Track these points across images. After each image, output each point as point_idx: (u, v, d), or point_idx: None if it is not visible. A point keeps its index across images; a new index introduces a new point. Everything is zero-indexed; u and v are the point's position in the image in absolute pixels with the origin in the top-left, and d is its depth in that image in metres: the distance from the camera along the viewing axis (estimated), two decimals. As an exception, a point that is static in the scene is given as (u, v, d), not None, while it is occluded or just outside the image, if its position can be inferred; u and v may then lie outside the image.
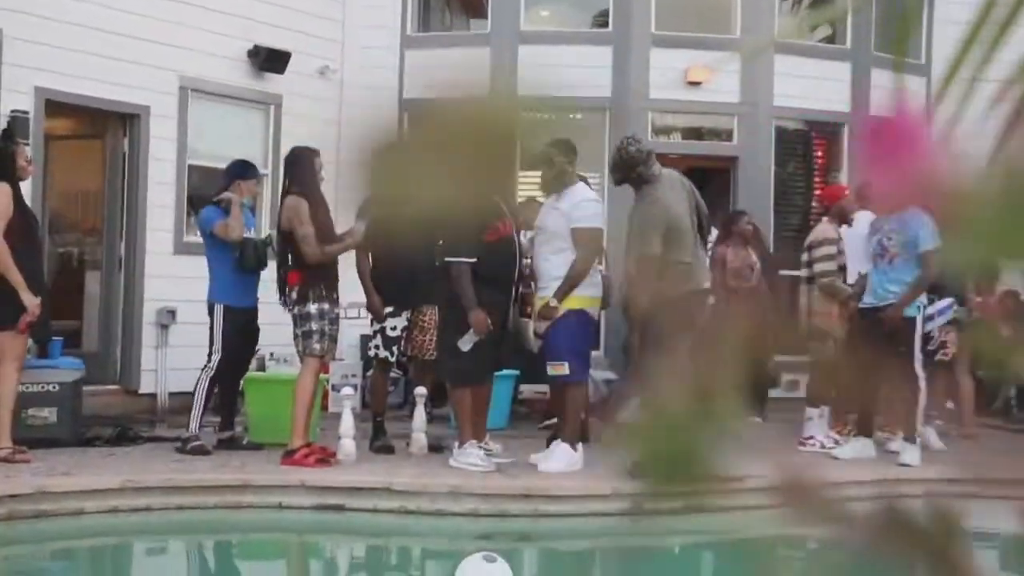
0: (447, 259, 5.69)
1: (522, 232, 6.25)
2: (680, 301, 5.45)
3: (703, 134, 9.59)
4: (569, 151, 5.86)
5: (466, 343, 5.61)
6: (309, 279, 5.71)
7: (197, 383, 6.07)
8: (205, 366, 6.07)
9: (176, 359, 7.96)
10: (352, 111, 9.33)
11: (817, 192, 9.54)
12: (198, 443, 5.97)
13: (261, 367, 7.52)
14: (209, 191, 8.31)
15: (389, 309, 6.21)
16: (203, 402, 6.03)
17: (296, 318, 5.75)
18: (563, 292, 5.63)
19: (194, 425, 6.03)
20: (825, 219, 7.14)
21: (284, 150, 8.50)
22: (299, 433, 5.68)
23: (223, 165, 7.96)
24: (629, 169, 5.60)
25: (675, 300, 5.45)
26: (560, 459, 5.68)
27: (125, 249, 8.00)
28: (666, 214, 5.50)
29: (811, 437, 6.77)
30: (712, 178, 9.14)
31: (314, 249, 5.68)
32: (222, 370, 6.05)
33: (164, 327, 8.00)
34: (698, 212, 5.69)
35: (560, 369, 5.66)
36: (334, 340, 5.88)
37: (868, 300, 6.41)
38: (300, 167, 5.84)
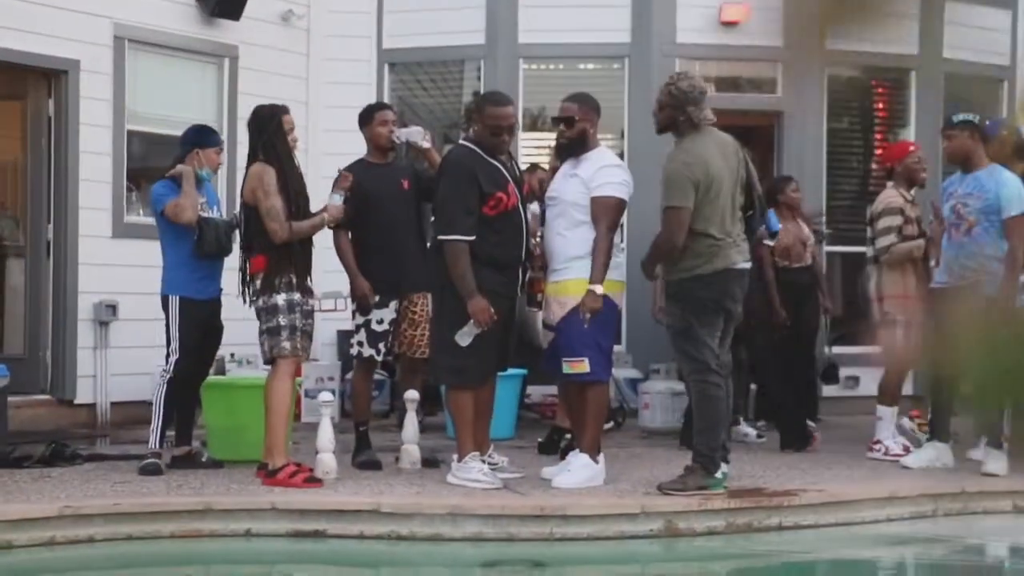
0: (440, 237, 5.70)
1: (528, 205, 6.25)
2: (706, 282, 5.50)
3: (741, 85, 9.58)
4: (591, 109, 5.89)
5: (464, 336, 5.62)
6: (276, 264, 5.73)
7: (156, 391, 6.11)
8: (163, 370, 6.12)
9: (118, 363, 7.99)
10: (322, 66, 9.34)
11: (878, 152, 9.57)
12: (150, 461, 6.02)
13: (220, 370, 7.56)
14: (152, 161, 8.41)
15: (374, 299, 6.23)
16: (163, 412, 6.06)
17: (261, 312, 5.76)
18: (600, 274, 5.63)
19: (154, 440, 6.07)
20: (889, 184, 7.14)
21: (242, 112, 8.57)
22: (280, 449, 5.72)
23: (168, 131, 8.05)
24: (678, 109, 5.58)
25: (699, 281, 5.50)
26: (578, 473, 5.71)
27: (53, 232, 8.03)
28: (701, 168, 5.51)
29: (877, 441, 6.83)
30: (752, 137, 9.15)
31: (281, 225, 5.69)
32: (181, 374, 6.10)
33: (103, 324, 8.03)
34: (748, 188, 5.70)
35: (579, 366, 5.69)
36: (309, 337, 5.89)
37: (942, 279, 6.45)
38: (266, 128, 5.84)
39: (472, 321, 5.59)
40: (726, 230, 5.52)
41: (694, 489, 5.45)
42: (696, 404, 5.60)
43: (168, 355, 6.09)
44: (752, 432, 7.53)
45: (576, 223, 5.73)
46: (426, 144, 6.32)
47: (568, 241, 5.74)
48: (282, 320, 5.70)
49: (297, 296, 5.75)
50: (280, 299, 5.71)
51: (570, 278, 5.72)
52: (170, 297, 6.09)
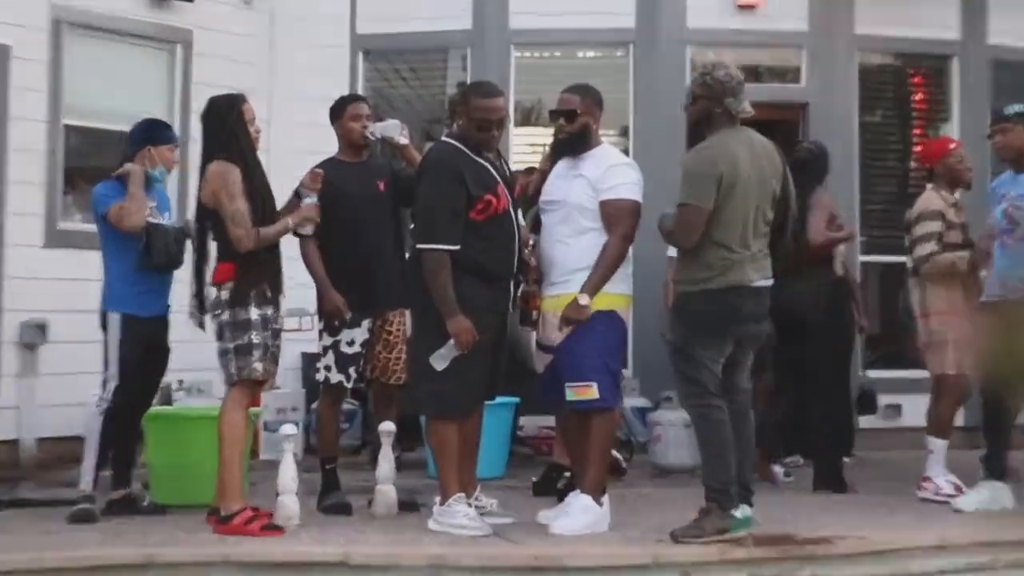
0: (420, 246, 5.61)
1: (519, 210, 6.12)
2: (713, 298, 5.40)
3: (761, 74, 9.55)
4: (594, 102, 5.85)
5: (440, 359, 5.54)
6: (247, 273, 5.63)
7: (90, 423, 5.98)
8: (99, 398, 6.00)
9: (47, 392, 7.89)
10: (288, 53, 9.26)
11: (917, 148, 9.51)
12: (82, 507, 5.90)
13: (166, 399, 7.50)
14: (93, 160, 8.22)
15: (348, 315, 6.12)
16: (99, 449, 5.96)
17: (227, 327, 5.63)
18: (596, 284, 5.60)
19: (87, 480, 5.96)
20: (929, 186, 7.04)
21: (196, 104, 8.39)
22: (234, 491, 5.61)
23: (111, 126, 7.95)
24: (714, 101, 5.52)
25: (706, 296, 5.41)
26: (579, 517, 5.62)
27: (-23, 241, 7.96)
28: (728, 165, 5.41)
29: (927, 479, 6.70)
30: (774, 133, 9.13)
31: (247, 231, 5.60)
32: (121, 403, 5.98)
33: (30, 348, 7.95)
34: (783, 204, 5.58)
35: (587, 392, 5.60)
36: (276, 360, 5.82)
37: (993, 292, 6.37)
38: (226, 120, 5.74)
39: (451, 342, 5.51)
40: (746, 243, 5.44)
41: (713, 534, 5.32)
42: (698, 432, 5.54)
43: (105, 381, 6.00)
44: (779, 470, 7.42)
45: (582, 230, 5.67)
46: (404, 140, 6.29)
47: (572, 250, 5.68)
48: (255, 338, 5.61)
49: (270, 311, 5.69)
50: (254, 314, 5.62)
51: (573, 292, 5.63)
52: (110, 314, 6.02)
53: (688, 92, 5.66)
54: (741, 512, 5.40)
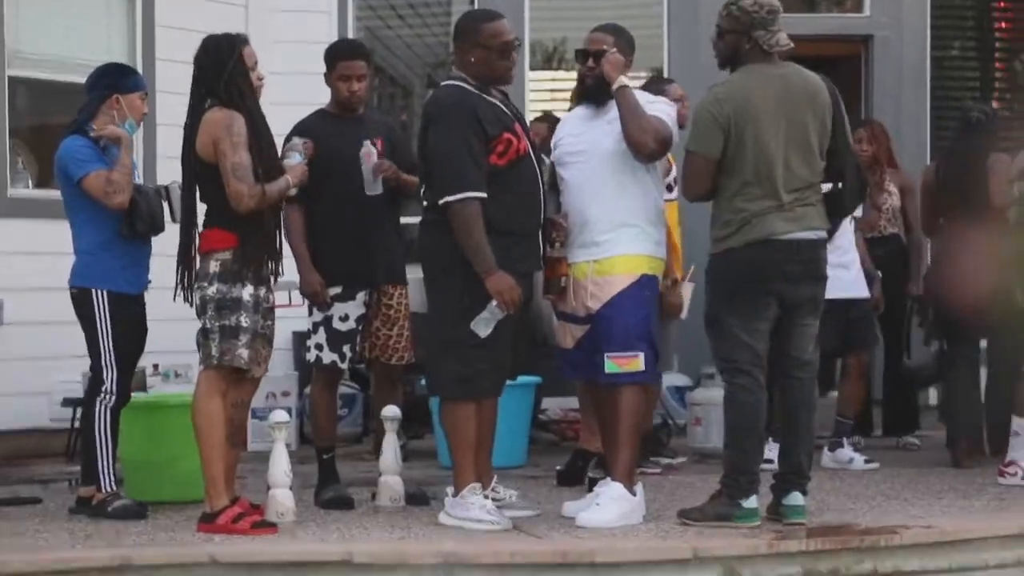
0: (446, 199, 5.63)
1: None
2: (738, 258, 5.62)
3: (816, 2, 9.76)
4: (627, 44, 6.05)
5: (484, 324, 5.63)
6: (248, 245, 5.69)
7: (95, 421, 6.13)
8: (100, 392, 6.13)
9: (3, 380, 7.95)
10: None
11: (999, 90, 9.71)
12: (125, 502, 6.08)
13: (141, 386, 7.57)
14: (44, 117, 8.38)
15: (336, 290, 6.31)
16: (110, 445, 6.11)
17: (211, 304, 5.69)
18: (628, 96, 5.80)
19: (107, 481, 6.12)
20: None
21: (161, 51, 8.66)
22: (217, 486, 5.71)
23: (65, 76, 8.08)
24: (742, 35, 5.70)
25: (730, 257, 5.64)
26: (611, 507, 5.76)
27: (-84, 212, 8.09)
28: (736, 104, 5.59)
29: (1011, 463, 6.88)
30: (833, 72, 9.21)
31: (250, 188, 5.62)
32: (123, 394, 6.14)
33: (-20, 332, 8.08)
34: (838, 152, 5.73)
35: (632, 364, 5.77)
36: (271, 342, 5.88)
37: None
38: (226, 64, 5.74)
39: (494, 303, 5.59)
40: (774, 192, 5.59)
41: (712, 519, 5.58)
42: (724, 411, 5.76)
43: (103, 368, 6.11)
44: (859, 457, 7.62)
45: (622, 181, 5.85)
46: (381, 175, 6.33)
47: (616, 203, 5.83)
48: (244, 320, 5.67)
49: (263, 291, 5.75)
50: (247, 293, 5.69)
51: (618, 254, 5.82)
52: (95, 291, 6.10)
53: (716, 26, 5.82)
54: (750, 502, 5.60)
